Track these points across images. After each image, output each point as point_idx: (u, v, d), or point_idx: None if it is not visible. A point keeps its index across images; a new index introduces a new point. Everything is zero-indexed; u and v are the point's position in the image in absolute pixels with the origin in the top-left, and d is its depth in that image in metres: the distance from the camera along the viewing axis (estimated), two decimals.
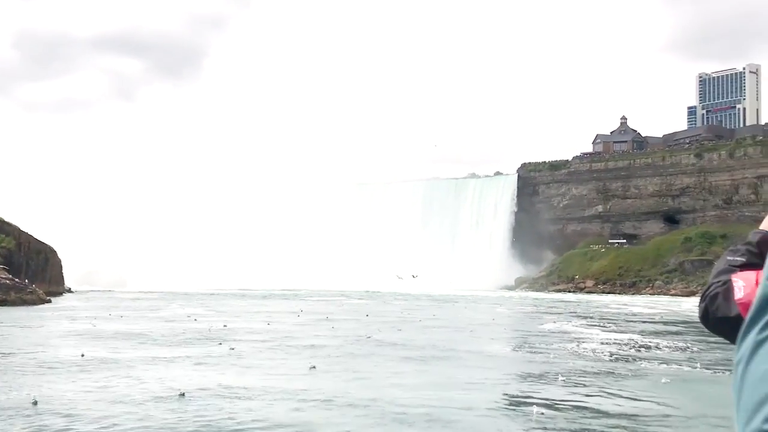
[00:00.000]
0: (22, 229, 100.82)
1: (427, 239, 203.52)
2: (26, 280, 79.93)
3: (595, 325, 56.96)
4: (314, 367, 26.59)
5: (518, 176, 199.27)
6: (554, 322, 59.66)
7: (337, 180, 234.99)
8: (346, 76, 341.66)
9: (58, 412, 17.05)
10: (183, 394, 19.32)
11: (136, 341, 37.11)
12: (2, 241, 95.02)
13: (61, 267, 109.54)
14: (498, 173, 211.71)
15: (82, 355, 28.92)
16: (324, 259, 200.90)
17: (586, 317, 68.28)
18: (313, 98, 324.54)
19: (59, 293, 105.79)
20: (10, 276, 77.39)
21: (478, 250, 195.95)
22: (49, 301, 79.92)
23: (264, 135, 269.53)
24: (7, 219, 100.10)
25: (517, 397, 21.48)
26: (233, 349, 32.70)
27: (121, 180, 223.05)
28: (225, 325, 50.28)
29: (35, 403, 18.05)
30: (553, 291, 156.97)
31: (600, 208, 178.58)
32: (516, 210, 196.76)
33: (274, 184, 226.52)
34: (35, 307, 70.03)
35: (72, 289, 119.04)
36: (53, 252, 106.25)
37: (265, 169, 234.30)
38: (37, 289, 79.14)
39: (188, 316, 60.50)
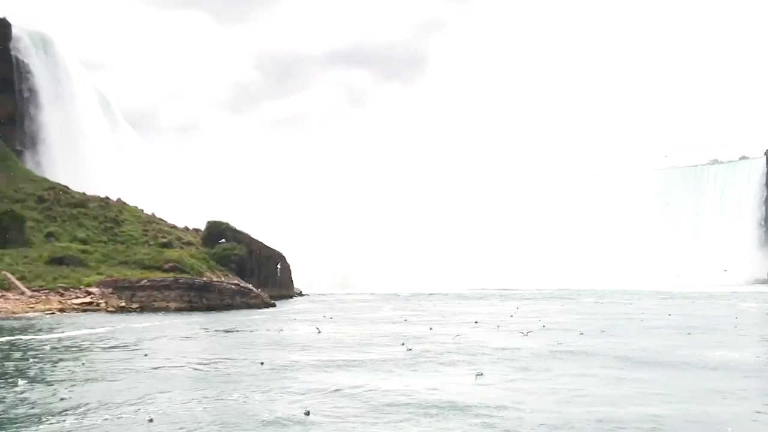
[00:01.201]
0: (252, 236, 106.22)
1: (664, 232, 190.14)
2: (249, 285, 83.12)
3: None
4: (481, 374, 23.51)
5: (767, 159, 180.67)
6: None
7: (566, 173, 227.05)
8: (570, 67, 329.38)
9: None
10: (308, 413, 17.02)
11: (324, 344, 35.85)
12: (235, 249, 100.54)
13: (290, 271, 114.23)
14: (743, 158, 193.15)
15: (261, 363, 27.82)
16: (554, 255, 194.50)
17: None
18: (537, 91, 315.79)
19: (289, 296, 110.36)
20: (236, 282, 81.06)
21: (723, 243, 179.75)
22: (274, 305, 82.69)
23: (489, 130, 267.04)
24: (238, 228, 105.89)
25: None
26: (410, 349, 30.30)
27: (351, 184, 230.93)
28: (430, 329, 48.14)
29: (151, 420, 16.54)
30: None
31: None
32: (766, 197, 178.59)
33: (502, 179, 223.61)
34: (258, 310, 72.42)
35: (302, 292, 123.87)
36: (282, 257, 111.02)
37: (492, 164, 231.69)
38: (261, 293, 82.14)
39: (400, 318, 59.27)
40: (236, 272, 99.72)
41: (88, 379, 23.82)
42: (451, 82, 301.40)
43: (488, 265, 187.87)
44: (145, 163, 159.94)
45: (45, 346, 35.06)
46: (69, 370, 26.20)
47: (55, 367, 27.44)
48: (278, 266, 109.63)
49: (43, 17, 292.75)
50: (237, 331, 45.95)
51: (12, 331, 44.41)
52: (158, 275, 76.87)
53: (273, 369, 26.34)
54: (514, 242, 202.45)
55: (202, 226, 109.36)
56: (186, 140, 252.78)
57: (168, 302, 69.76)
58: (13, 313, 63.85)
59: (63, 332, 43.78)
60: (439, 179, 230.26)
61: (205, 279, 75.60)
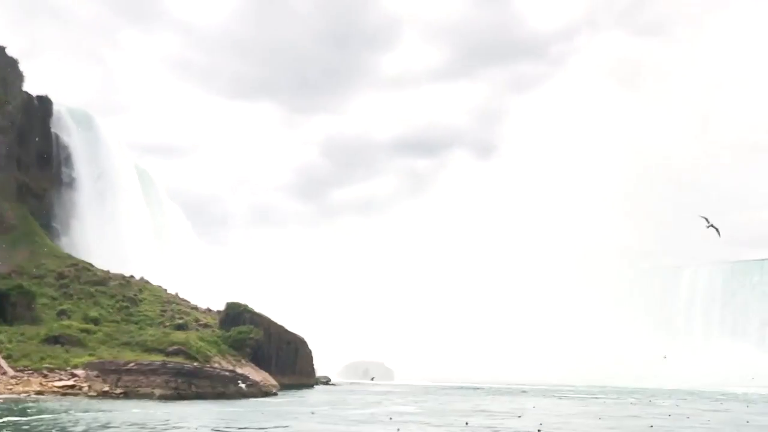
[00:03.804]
0: (273, 320, 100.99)
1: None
2: (245, 373, 77.69)
3: None
4: None
5: None
6: None
7: (627, 263, 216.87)
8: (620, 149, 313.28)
9: None
10: None
11: None
12: (251, 332, 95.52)
13: (311, 358, 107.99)
14: None
15: None
16: (612, 350, 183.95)
17: None
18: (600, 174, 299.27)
19: (309, 385, 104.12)
20: (231, 369, 75.96)
21: None
22: (275, 395, 76.72)
23: (547, 216, 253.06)
24: (259, 311, 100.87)
25: None
26: None
27: (402, 271, 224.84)
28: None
29: None
30: None
31: None
32: None
33: (545, 268, 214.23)
34: (251, 401, 66.56)
35: (329, 381, 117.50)
36: (303, 343, 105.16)
37: (553, 253, 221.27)
38: (260, 381, 76.62)
39: (387, 417, 52.70)
40: (251, 357, 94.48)
41: None
42: (513, 167, 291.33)
43: (542, 358, 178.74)
44: (186, 245, 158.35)
45: None
46: None
47: None
48: (298, 352, 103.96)
49: (119, 107, 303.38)
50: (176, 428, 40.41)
51: None
52: (158, 359, 72.25)
53: None
54: (572, 336, 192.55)
55: None
56: (242, 226, 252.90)
57: (153, 388, 64.78)
58: None
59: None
60: (494, 268, 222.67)
61: (195, 365, 70.55)
